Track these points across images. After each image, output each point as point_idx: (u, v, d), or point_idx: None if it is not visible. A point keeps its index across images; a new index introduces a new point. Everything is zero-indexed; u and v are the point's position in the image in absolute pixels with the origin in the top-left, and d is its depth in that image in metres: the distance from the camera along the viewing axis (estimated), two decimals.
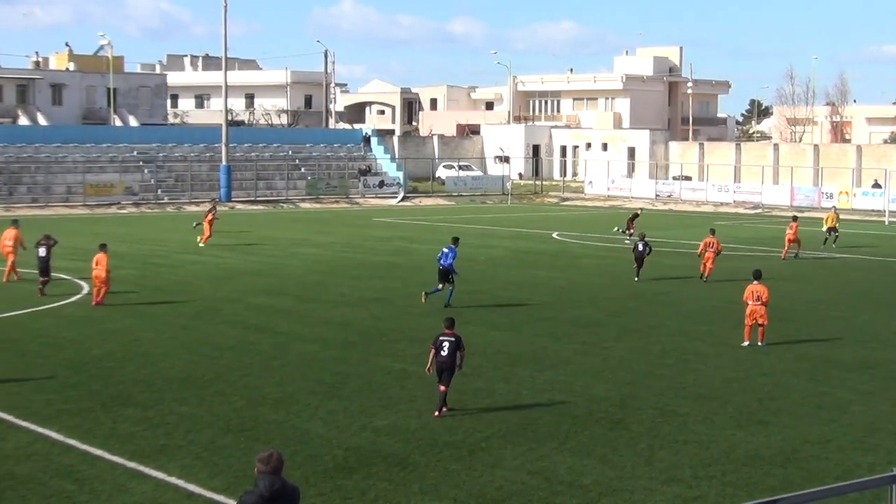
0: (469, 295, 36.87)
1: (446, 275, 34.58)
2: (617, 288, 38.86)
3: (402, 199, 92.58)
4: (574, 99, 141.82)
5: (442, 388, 21.07)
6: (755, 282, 28.70)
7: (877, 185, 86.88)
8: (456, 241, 36.07)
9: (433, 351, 21.28)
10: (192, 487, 16.76)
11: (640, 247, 41.32)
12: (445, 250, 34.92)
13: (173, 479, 17.08)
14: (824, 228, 53.74)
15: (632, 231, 52.49)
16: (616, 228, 59.89)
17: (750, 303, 28.30)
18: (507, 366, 25.55)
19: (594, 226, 67.16)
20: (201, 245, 51.08)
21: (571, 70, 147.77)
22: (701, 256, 41.50)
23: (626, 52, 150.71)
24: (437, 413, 20.95)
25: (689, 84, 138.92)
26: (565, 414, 21.13)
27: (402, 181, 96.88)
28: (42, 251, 36.56)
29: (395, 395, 22.53)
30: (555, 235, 60.24)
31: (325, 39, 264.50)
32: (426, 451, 18.65)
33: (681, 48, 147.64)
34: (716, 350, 27.70)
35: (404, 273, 42.94)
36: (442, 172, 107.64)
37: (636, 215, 56.33)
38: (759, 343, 28.19)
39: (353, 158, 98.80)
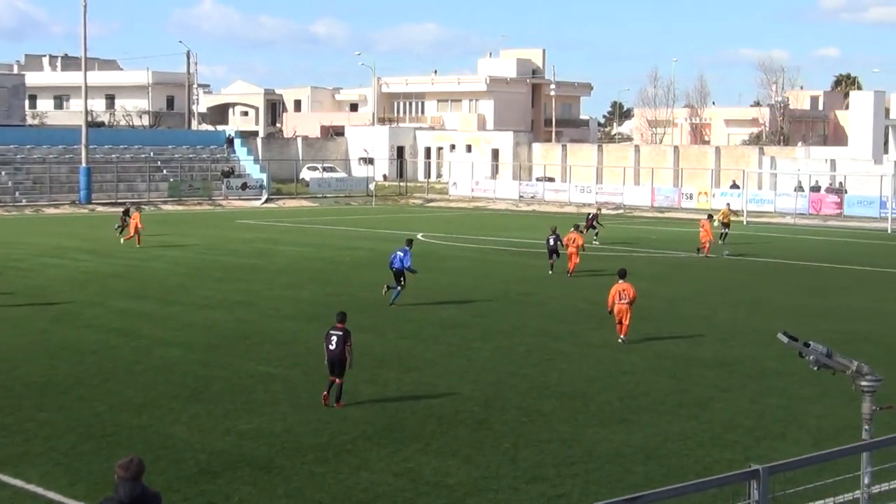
0: (333, 297, 36.77)
1: (399, 276, 35.00)
2: (482, 289, 39.04)
3: (266, 201, 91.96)
4: (438, 100, 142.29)
5: (336, 380, 21.70)
6: (620, 280, 29.15)
7: (735, 186, 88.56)
8: (410, 242, 36.67)
9: (325, 344, 22.06)
10: (51, 495, 16.44)
11: (552, 241, 43.42)
12: (400, 253, 35.27)
13: (32, 487, 16.74)
14: (716, 224, 54.51)
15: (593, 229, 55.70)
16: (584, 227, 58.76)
17: (617, 301, 28.73)
18: (373, 367, 25.51)
19: (459, 227, 67.42)
20: (131, 242, 52.32)
21: (436, 72, 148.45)
22: (566, 248, 42.81)
23: (490, 54, 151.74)
24: (325, 402, 21.65)
25: (552, 86, 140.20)
26: (430, 415, 21.16)
27: (265, 183, 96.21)
28: None
29: (259, 399, 22.36)
30: (420, 237, 60.29)
31: (187, 40, 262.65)
32: (291, 454, 18.53)
33: (544, 50, 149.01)
34: (579, 350, 27.97)
35: (268, 275, 42.66)
36: (306, 174, 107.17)
37: (595, 216, 57.98)
38: (622, 337, 28.66)
39: (216, 160, 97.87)
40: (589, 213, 59.78)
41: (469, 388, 23.55)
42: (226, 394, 22.80)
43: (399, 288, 35.02)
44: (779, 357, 25.14)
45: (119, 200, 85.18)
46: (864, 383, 11.74)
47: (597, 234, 55.60)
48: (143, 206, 79.09)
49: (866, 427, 11.75)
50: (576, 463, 18.14)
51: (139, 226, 52.74)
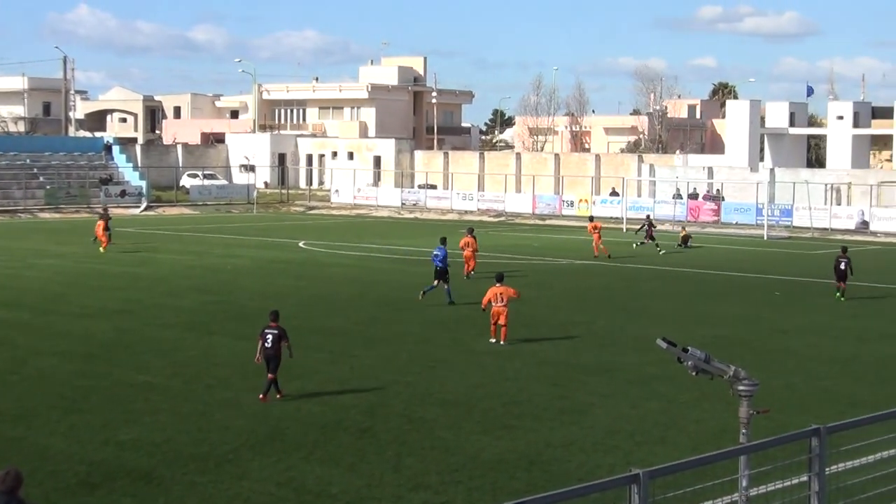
0: (215, 305, 36.53)
1: (445, 273, 36.96)
2: (364, 296, 39.01)
3: (145, 209, 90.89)
4: (320, 108, 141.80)
5: (270, 375, 22.83)
6: (498, 284, 29.83)
7: (614, 194, 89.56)
8: (444, 241, 39.03)
9: (260, 342, 23.08)
10: None
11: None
12: (437, 252, 37.41)
13: None
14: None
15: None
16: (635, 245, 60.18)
17: (493, 304, 29.16)
18: (254, 376, 25.29)
19: (341, 234, 67.26)
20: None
21: (317, 79, 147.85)
22: (463, 250, 44.25)
23: (371, 61, 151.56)
24: (262, 396, 22.73)
25: (434, 94, 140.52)
26: (313, 423, 21.09)
27: (144, 190, 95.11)
28: None
29: (139, 409, 22.09)
30: (301, 244, 60.08)
31: (63, 45, 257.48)
32: (171, 464, 18.34)
33: (425, 58, 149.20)
34: (461, 357, 28.07)
35: (148, 284, 42.18)
36: (186, 181, 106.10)
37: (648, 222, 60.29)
38: (502, 342, 29.04)
39: (94, 167, 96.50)
40: (644, 224, 60.87)
41: (352, 396, 23.52)
42: (105, 404, 22.49)
43: (447, 286, 37.22)
44: (658, 363, 25.45)
45: None
46: (741, 388, 11.94)
47: (651, 239, 58.61)
48: (20, 215, 77.70)
49: (744, 431, 11.94)
50: (459, 470, 18.19)
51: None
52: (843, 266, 39.95)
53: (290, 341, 23.15)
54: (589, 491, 8.86)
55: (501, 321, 29.47)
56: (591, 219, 58.28)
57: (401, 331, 31.74)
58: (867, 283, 44.29)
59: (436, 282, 37.56)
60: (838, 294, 39.77)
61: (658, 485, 9.40)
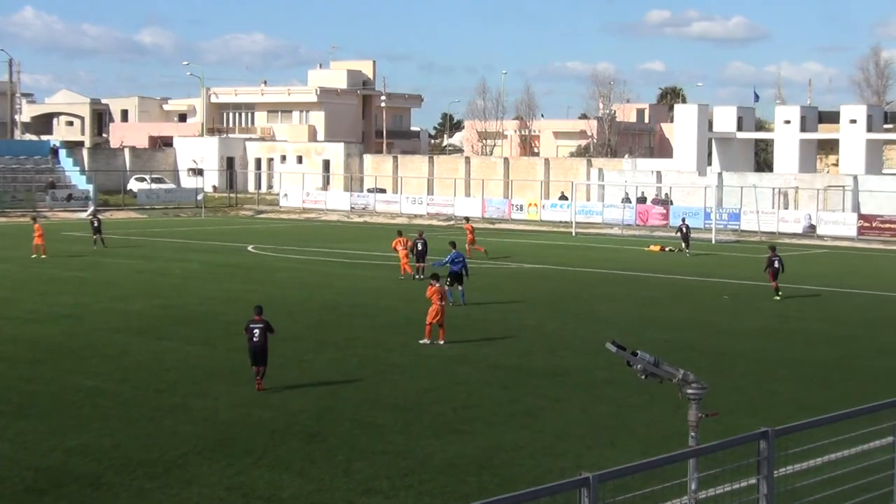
0: (163, 309, 36.35)
1: (459, 277, 37.64)
2: (314, 301, 38.94)
3: (92, 213, 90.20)
4: (268, 111, 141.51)
5: (261, 367, 24.04)
6: (437, 284, 30.51)
7: (563, 198, 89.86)
8: (454, 244, 40.30)
9: (247, 334, 24.21)
10: None
11: (419, 245, 46.23)
12: (453, 257, 38.29)
13: None
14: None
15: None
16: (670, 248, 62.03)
17: (436, 303, 29.66)
18: (204, 381, 25.26)
19: (290, 239, 67.09)
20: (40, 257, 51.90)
21: (265, 82, 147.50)
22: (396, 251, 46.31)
23: (321, 65, 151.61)
24: (259, 388, 23.91)
25: (383, 98, 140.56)
26: (263, 428, 21.03)
27: (91, 194, 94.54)
28: None
29: (87, 414, 21.95)
30: (250, 248, 59.89)
31: (8, 48, 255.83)
32: (120, 470, 18.24)
33: (374, 62, 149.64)
34: (411, 361, 28.07)
35: (95, 288, 41.92)
36: (134, 185, 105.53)
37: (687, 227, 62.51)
38: (440, 342, 29.51)
39: (40, 171, 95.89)
40: (682, 227, 62.62)
41: (302, 400, 23.47)
42: (52, 409, 22.34)
43: (462, 288, 37.88)
44: (608, 366, 25.57)
45: None
46: (689, 391, 12.03)
47: (688, 246, 60.46)
48: None
49: (693, 434, 12.03)
50: (409, 474, 18.20)
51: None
52: (776, 264, 40.82)
53: (275, 332, 24.54)
54: (539, 495, 8.89)
55: (440, 320, 29.99)
56: (467, 219, 60.11)
57: (351, 335, 31.70)
58: (814, 287, 44.69)
59: (456, 286, 37.87)
60: (778, 295, 40.59)
61: (608, 488, 9.45)
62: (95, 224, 59.77)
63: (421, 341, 29.97)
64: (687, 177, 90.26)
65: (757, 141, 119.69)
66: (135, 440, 20.03)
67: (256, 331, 24.16)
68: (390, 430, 21.09)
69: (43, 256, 52.52)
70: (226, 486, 17.51)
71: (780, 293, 40.75)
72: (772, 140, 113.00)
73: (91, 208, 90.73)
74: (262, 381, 24.11)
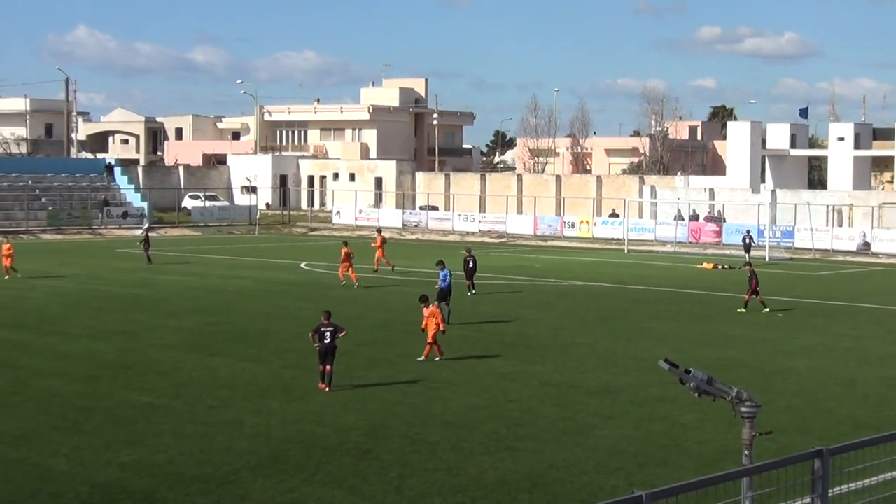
0: (217, 326, 36.55)
1: (446, 296, 37.26)
2: (367, 318, 38.99)
3: (147, 230, 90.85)
4: (321, 129, 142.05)
5: (328, 367, 25.85)
6: (433, 305, 31.12)
7: (615, 215, 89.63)
8: (442, 264, 39.27)
9: (316, 336, 26.11)
10: None
11: (471, 263, 46.11)
12: (441, 275, 38.14)
13: None
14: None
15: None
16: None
17: (435, 323, 30.19)
18: (257, 397, 25.37)
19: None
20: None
21: (318, 100, 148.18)
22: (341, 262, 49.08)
23: (373, 83, 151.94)
24: (326, 388, 25.76)
25: (435, 115, 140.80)
26: (315, 445, 21.08)
27: (146, 212, 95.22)
28: None
29: (141, 430, 22.10)
30: (303, 265, 60.13)
31: (64, 66, 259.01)
32: (174, 485, 18.34)
33: (426, 80, 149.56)
34: (463, 378, 28.06)
35: (150, 305, 42.22)
36: (188, 203, 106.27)
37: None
38: (423, 358, 29.94)
39: (95, 188, 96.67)
40: (745, 238, 66.50)
41: (354, 417, 23.51)
42: (107, 425, 22.50)
43: (448, 308, 37.05)
44: (660, 384, 25.46)
45: None
46: (743, 409, 11.94)
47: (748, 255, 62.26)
48: (22, 236, 77.73)
49: (746, 452, 11.95)
50: (462, 491, 18.18)
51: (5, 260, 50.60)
52: (755, 278, 42.10)
53: (345, 332, 26.43)
54: None
55: (431, 339, 30.19)
56: (379, 230, 61.41)
57: (403, 352, 31.72)
58: (868, 304, 44.33)
59: (443, 304, 37.11)
60: (765, 309, 41.79)
61: None
62: (145, 239, 60.52)
63: (420, 359, 29.98)
64: (740, 194, 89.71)
65: (810, 158, 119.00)
66: (188, 456, 20.14)
67: (327, 333, 25.97)
68: (442, 447, 21.08)
69: (6, 277, 50.56)
70: (278, 502, 17.56)
71: (745, 306, 41.87)
72: (825, 157, 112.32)
73: (145, 225, 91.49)
74: (331, 384, 25.82)
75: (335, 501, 17.61)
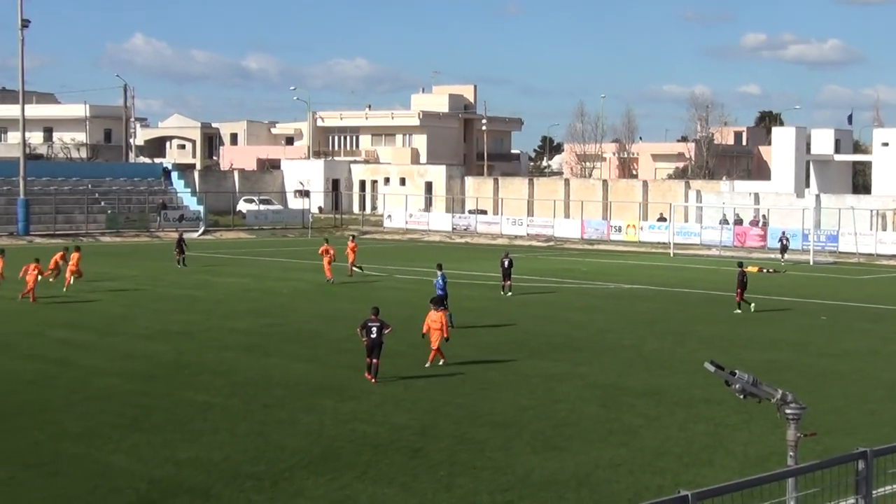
0: (271, 327, 36.71)
1: (443, 300, 36.22)
2: (417, 319, 38.74)
3: (203, 233, 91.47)
4: (372, 135, 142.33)
5: (374, 360, 26.95)
6: (441, 309, 30.59)
7: (662, 219, 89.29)
8: (440, 266, 40.49)
9: (364, 331, 27.10)
10: None
11: (507, 264, 46.92)
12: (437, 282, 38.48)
13: None
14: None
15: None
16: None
17: (439, 329, 29.50)
18: (310, 396, 25.47)
19: (393, 258, 67.37)
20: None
21: (370, 106, 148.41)
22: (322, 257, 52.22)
23: (423, 89, 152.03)
24: (372, 378, 26.82)
25: (484, 121, 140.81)
26: (366, 443, 21.14)
27: (202, 215, 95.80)
28: None
29: (197, 428, 22.24)
30: (355, 268, 60.21)
31: (122, 74, 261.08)
32: (229, 482, 18.44)
33: (475, 86, 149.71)
34: (510, 379, 28.05)
35: (206, 306, 42.46)
36: (243, 206, 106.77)
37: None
38: (431, 364, 29.38)
39: (153, 192, 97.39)
40: (781, 240, 69.30)
41: (405, 416, 23.56)
42: (165, 423, 22.66)
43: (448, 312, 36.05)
44: (706, 385, 25.35)
45: (57, 232, 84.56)
46: (788, 411, 11.88)
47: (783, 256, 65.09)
48: (82, 238, 78.25)
49: (791, 453, 11.88)
50: (509, 490, 18.18)
51: (74, 268, 48.59)
52: (745, 279, 42.98)
53: (390, 329, 27.49)
54: None
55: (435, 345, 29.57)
56: (353, 237, 61.90)
57: (452, 353, 31.68)
58: None
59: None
60: (749, 306, 42.49)
61: None
62: (182, 243, 60.14)
63: (427, 365, 29.50)
64: (785, 199, 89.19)
65: (855, 163, 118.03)
66: (243, 453, 20.25)
67: (374, 327, 27.05)
68: (491, 446, 21.09)
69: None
70: (331, 499, 17.62)
71: (738, 307, 42.64)
72: (869, 162, 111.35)
73: (201, 228, 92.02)
74: (376, 375, 26.85)
75: (386, 499, 17.65)
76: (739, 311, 42.11)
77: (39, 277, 43.73)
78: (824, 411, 23.67)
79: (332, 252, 52.97)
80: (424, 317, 30.04)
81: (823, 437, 18.09)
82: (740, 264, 45.03)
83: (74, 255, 49.55)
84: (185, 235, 65.89)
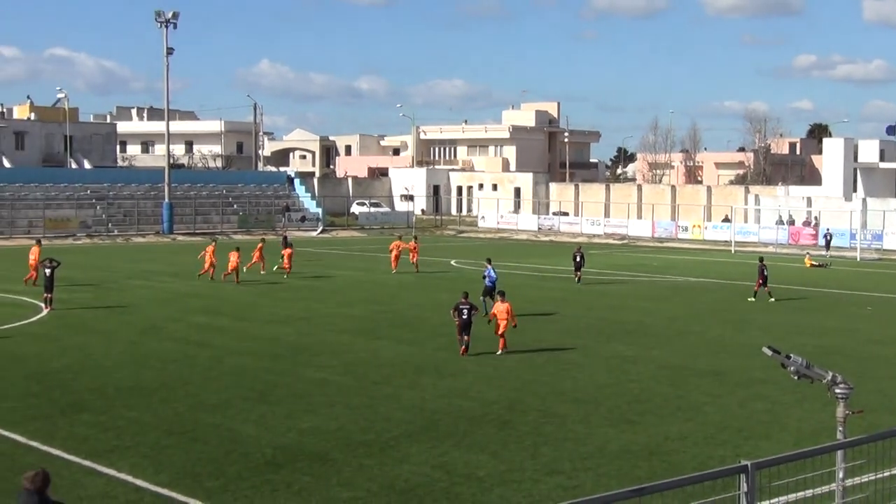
0: (380, 314, 36.84)
1: (492, 291, 35.57)
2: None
3: (321, 232, 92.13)
4: (468, 146, 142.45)
5: (466, 338, 27.78)
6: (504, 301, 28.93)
7: (726, 220, 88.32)
8: (489, 260, 39.73)
9: (457, 313, 27.93)
10: (139, 482, 16.50)
11: (578, 258, 47.58)
12: (489, 272, 37.76)
13: (123, 476, 16.80)
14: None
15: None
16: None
17: (506, 318, 28.41)
18: (413, 375, 25.52)
19: (486, 254, 67.03)
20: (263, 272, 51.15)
21: (466, 121, 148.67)
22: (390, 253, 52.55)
23: (512, 106, 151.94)
24: (465, 353, 27.64)
25: (566, 134, 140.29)
26: (462, 416, 21.13)
27: (320, 216, 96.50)
28: (48, 271, 37.09)
29: (316, 401, 22.37)
30: (453, 262, 60.32)
31: (252, 94, 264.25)
32: (343, 449, 18.53)
33: (558, 103, 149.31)
34: (590, 360, 27.88)
35: (324, 295, 42.74)
36: (355, 209, 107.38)
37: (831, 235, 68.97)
38: (499, 352, 28.36)
39: (278, 197, 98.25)
40: (826, 236, 68.61)
41: (495, 392, 23.52)
42: (288, 396, 22.83)
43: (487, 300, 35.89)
44: (763, 368, 24.98)
45: (196, 231, 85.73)
46: (838, 391, 11.68)
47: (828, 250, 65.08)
48: (217, 236, 79.28)
49: (840, 429, 11.68)
50: (588, 458, 18.07)
51: (213, 260, 48.45)
52: (765, 272, 42.77)
53: (478, 311, 28.57)
54: (703, 479, 8.75)
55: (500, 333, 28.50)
56: (416, 238, 60.75)
57: (538, 337, 31.61)
58: None
59: (488, 298, 35.64)
60: (769, 297, 42.06)
61: (764, 475, 9.24)
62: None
63: (497, 353, 28.38)
64: (834, 202, 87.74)
65: None
66: (355, 424, 20.33)
67: (465, 309, 27.86)
68: (572, 419, 20.97)
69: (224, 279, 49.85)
70: (432, 464, 17.64)
71: (754, 296, 42.44)
72: None
73: (320, 228, 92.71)
74: (467, 350, 27.65)
75: (479, 465, 17.63)
76: (753, 300, 41.81)
77: (244, 269, 48.31)
78: (870, 391, 23.23)
79: (401, 247, 54.11)
80: (513, 305, 29.72)
81: (869, 414, 17.75)
82: (761, 259, 44.68)
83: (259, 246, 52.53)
84: (307, 234, 66.25)
